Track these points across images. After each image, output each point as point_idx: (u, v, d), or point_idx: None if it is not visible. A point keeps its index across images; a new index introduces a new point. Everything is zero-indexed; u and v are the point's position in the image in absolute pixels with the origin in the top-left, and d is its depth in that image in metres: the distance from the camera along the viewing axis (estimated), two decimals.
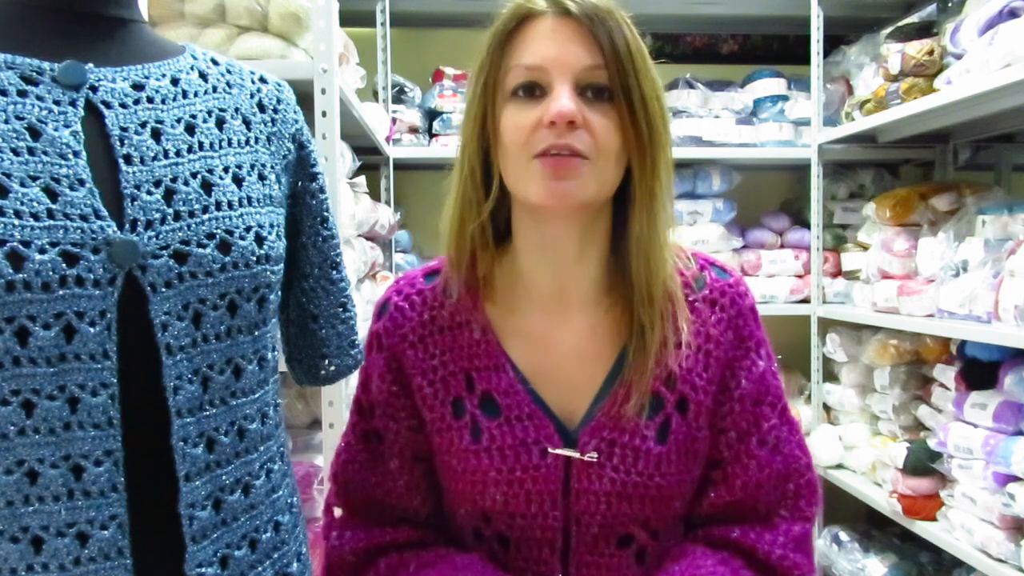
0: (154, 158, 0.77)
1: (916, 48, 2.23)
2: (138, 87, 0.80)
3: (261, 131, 0.87)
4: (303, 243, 0.95)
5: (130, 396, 0.73)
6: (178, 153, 0.79)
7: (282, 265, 0.86)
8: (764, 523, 0.92)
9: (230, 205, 0.79)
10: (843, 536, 2.69)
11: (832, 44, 2.80)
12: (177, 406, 0.75)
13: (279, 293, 0.87)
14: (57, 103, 0.75)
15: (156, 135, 0.78)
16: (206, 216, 0.77)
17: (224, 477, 0.79)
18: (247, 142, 0.85)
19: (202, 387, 0.77)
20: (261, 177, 0.85)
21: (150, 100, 0.79)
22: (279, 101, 0.91)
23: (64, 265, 0.70)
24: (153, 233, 0.74)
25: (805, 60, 2.74)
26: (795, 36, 3.06)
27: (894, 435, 2.46)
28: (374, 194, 2.41)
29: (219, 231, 0.77)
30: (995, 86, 1.81)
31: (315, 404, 1.84)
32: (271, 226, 0.83)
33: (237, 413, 0.80)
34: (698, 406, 0.90)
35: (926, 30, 2.39)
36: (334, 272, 0.98)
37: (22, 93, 0.74)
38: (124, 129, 0.77)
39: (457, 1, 2.69)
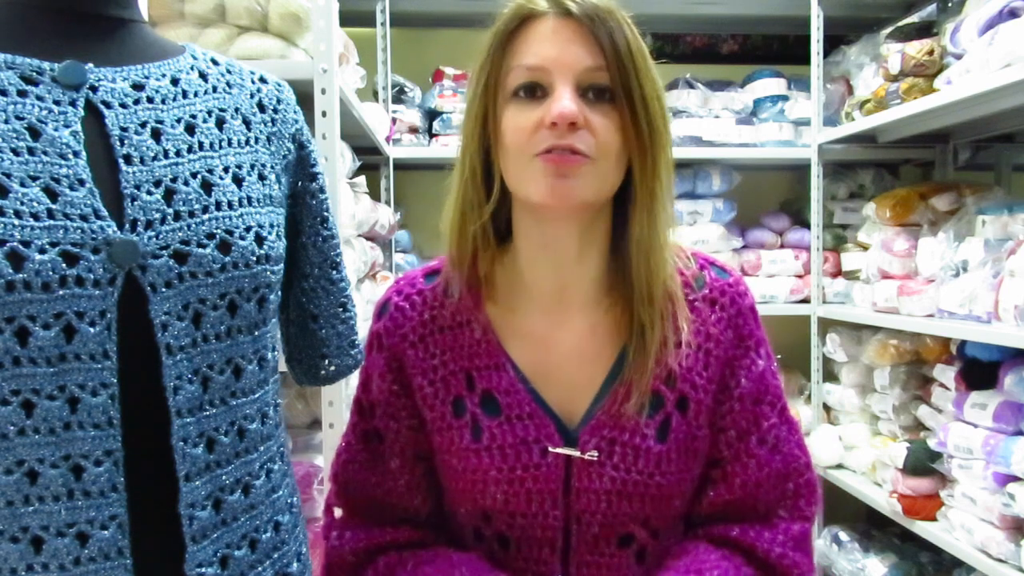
0: (154, 158, 0.77)
1: (916, 48, 2.23)
2: (138, 87, 0.80)
3: (261, 131, 0.87)
4: (303, 243, 0.95)
5: (130, 396, 0.73)
6: (178, 153, 0.79)
7: (282, 265, 0.86)
8: (763, 522, 0.92)
9: (230, 205, 0.79)
10: (843, 536, 2.69)
11: (832, 44, 2.80)
12: (177, 406, 0.75)
13: (279, 293, 0.87)
14: (57, 103, 0.75)
15: (156, 135, 0.78)
16: (206, 216, 0.77)
17: (224, 477, 0.79)
18: (247, 142, 0.85)
19: (202, 387, 0.77)
20: (261, 177, 0.85)
21: (150, 100, 0.79)
22: (279, 101, 0.91)
23: (64, 265, 0.70)
24: (153, 233, 0.74)
25: (805, 60, 2.74)
26: (795, 36, 3.06)
27: (894, 435, 2.46)
28: (374, 194, 2.41)
29: (219, 231, 0.78)
30: (995, 86, 1.81)
31: (315, 404, 1.84)
32: (271, 226, 0.83)
33: (237, 413, 0.80)
34: (698, 405, 0.90)
35: (926, 30, 2.39)
36: (334, 272, 0.98)
37: (22, 93, 0.74)
38: (124, 129, 0.77)
39: (457, 1, 2.69)
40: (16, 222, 0.69)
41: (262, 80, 0.91)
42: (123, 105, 0.78)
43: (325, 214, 0.96)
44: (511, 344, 0.92)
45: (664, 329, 0.88)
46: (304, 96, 1.07)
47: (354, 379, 1.02)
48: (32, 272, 0.68)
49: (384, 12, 2.74)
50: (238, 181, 0.82)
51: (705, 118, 2.77)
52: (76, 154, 0.73)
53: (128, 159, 0.76)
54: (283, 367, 0.97)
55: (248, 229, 0.80)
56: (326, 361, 1.01)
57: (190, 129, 0.81)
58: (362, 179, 2.10)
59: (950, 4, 2.55)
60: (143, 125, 0.78)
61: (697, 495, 0.93)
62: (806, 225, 2.84)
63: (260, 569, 0.83)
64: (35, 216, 0.70)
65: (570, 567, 0.90)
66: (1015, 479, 1.83)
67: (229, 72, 0.88)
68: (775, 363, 0.96)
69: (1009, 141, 2.65)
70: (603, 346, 0.91)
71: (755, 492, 0.91)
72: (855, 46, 2.76)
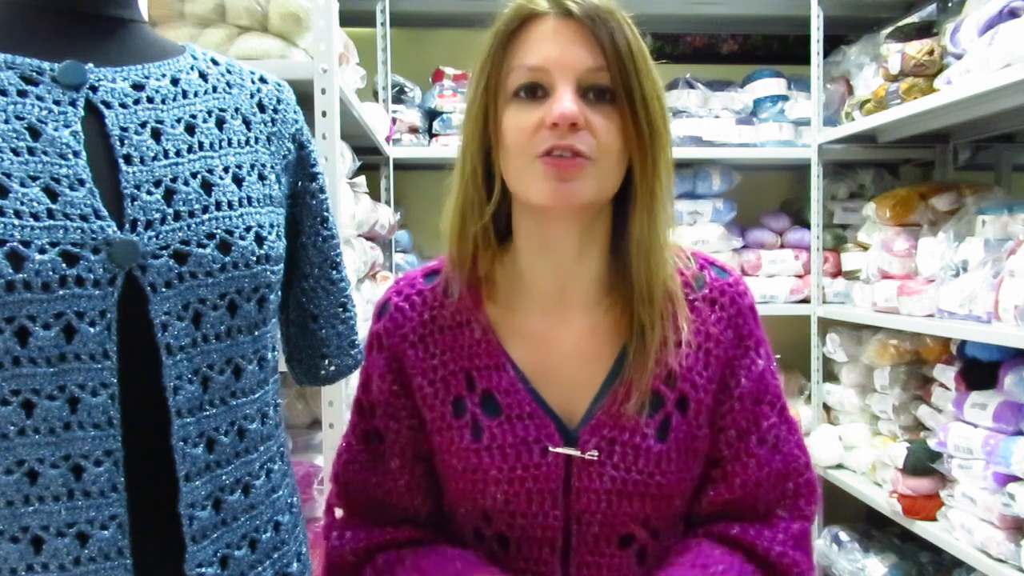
0: (154, 158, 0.77)
1: (916, 48, 2.23)
2: (138, 87, 0.80)
3: (261, 131, 0.87)
4: (303, 243, 0.95)
5: (130, 396, 0.73)
6: (178, 153, 0.79)
7: (282, 265, 0.86)
8: (763, 521, 0.92)
9: (230, 205, 0.79)
10: (843, 536, 2.69)
11: (832, 44, 2.80)
12: (177, 406, 0.75)
13: (279, 293, 0.87)
14: (57, 103, 0.74)
15: (156, 135, 0.78)
16: (206, 216, 0.77)
17: (224, 477, 0.79)
18: (247, 142, 0.85)
19: (202, 387, 0.77)
20: (261, 177, 0.85)
21: (150, 100, 0.79)
22: (279, 101, 0.91)
23: (64, 265, 0.70)
24: (153, 233, 0.74)
25: (805, 60, 2.74)
26: (795, 36, 3.06)
27: (894, 435, 2.46)
28: (374, 194, 2.41)
29: (219, 231, 0.77)
30: (995, 86, 1.81)
31: (315, 404, 1.84)
32: (271, 226, 0.83)
33: (237, 413, 0.80)
34: (698, 404, 0.90)
35: (926, 30, 2.39)
36: (334, 272, 0.98)
37: (22, 93, 0.74)
38: (124, 129, 0.77)
39: (457, 1, 2.69)
40: (16, 222, 0.69)
41: (262, 80, 0.91)
42: (123, 105, 0.78)
43: (325, 214, 0.96)
44: (511, 344, 0.92)
45: (664, 329, 0.89)
46: (304, 96, 1.07)
47: (354, 379, 1.02)
48: (32, 272, 0.68)
49: (384, 12, 2.74)
50: (238, 181, 0.82)
51: (705, 118, 2.77)
52: (76, 154, 0.73)
53: (128, 159, 0.76)
54: (283, 367, 0.97)
55: (248, 229, 0.80)
56: (326, 361, 1.01)
57: (190, 129, 0.81)
58: (362, 179, 2.10)
59: (950, 4, 2.55)
60: (143, 125, 0.78)
61: (697, 495, 0.93)
62: (806, 225, 2.84)
63: (260, 569, 0.83)
64: (35, 216, 0.70)
65: (570, 567, 0.90)
66: (1015, 479, 1.83)
67: (229, 72, 0.88)
68: (774, 363, 0.96)
69: (1009, 141, 2.65)
70: (603, 346, 0.91)
71: (755, 491, 0.92)
72: (855, 46, 2.76)
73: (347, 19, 1.88)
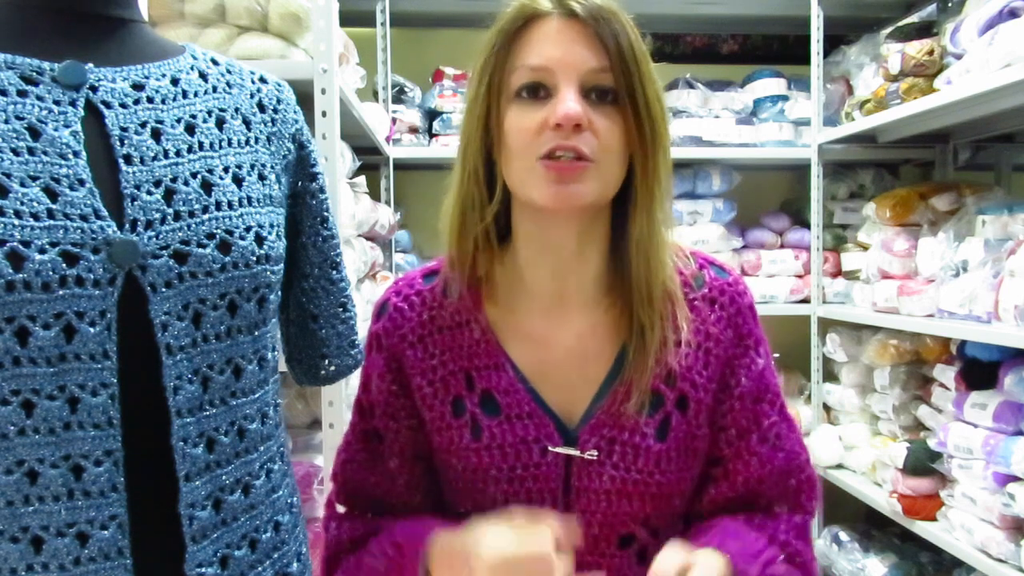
0: (154, 158, 0.77)
1: (916, 48, 2.23)
2: (138, 87, 0.80)
3: (261, 131, 0.87)
4: (303, 243, 0.95)
5: (130, 396, 0.73)
6: (178, 153, 0.79)
7: (282, 265, 0.86)
8: (765, 514, 0.92)
9: (230, 205, 0.79)
10: (843, 536, 2.69)
11: (832, 44, 2.80)
12: (177, 406, 0.75)
13: (279, 293, 0.87)
14: (57, 103, 0.75)
15: (156, 135, 0.78)
16: (206, 216, 0.77)
17: (224, 477, 0.79)
18: (247, 142, 0.85)
19: (202, 387, 0.77)
20: (261, 177, 0.85)
21: (150, 100, 0.79)
22: (279, 101, 0.91)
23: (64, 265, 0.70)
24: (153, 233, 0.74)
25: (805, 60, 2.74)
26: (795, 36, 3.06)
27: (894, 435, 2.46)
28: (374, 194, 2.41)
29: (219, 231, 0.78)
30: (995, 86, 1.81)
31: (315, 404, 1.84)
32: (271, 226, 0.83)
33: (237, 413, 0.80)
34: (698, 404, 0.90)
35: (926, 30, 2.39)
36: (334, 272, 0.98)
37: (22, 93, 0.74)
38: (124, 129, 0.77)
39: (457, 1, 2.69)
40: (16, 222, 0.69)
41: (262, 80, 0.91)
42: (123, 105, 0.78)
43: (325, 214, 0.96)
44: (510, 344, 0.92)
45: (664, 328, 0.88)
46: (304, 96, 1.07)
47: (354, 379, 1.02)
48: (32, 272, 0.68)
49: (384, 12, 2.74)
50: (238, 181, 0.82)
51: (705, 118, 2.78)
52: (76, 154, 0.73)
53: (128, 159, 0.76)
54: (283, 367, 0.97)
55: (248, 229, 0.80)
56: (326, 361, 1.01)
57: (190, 129, 0.81)
58: (362, 179, 2.10)
59: (950, 4, 2.55)
60: (143, 125, 0.78)
61: (698, 493, 0.93)
62: (806, 225, 2.84)
63: (260, 569, 0.83)
64: (35, 216, 0.70)
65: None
66: (1015, 479, 1.83)
67: (229, 72, 0.88)
68: (773, 362, 0.97)
69: (1009, 141, 2.65)
70: (603, 346, 0.91)
71: (757, 488, 0.92)
72: (855, 46, 2.76)
73: (347, 19, 1.88)
